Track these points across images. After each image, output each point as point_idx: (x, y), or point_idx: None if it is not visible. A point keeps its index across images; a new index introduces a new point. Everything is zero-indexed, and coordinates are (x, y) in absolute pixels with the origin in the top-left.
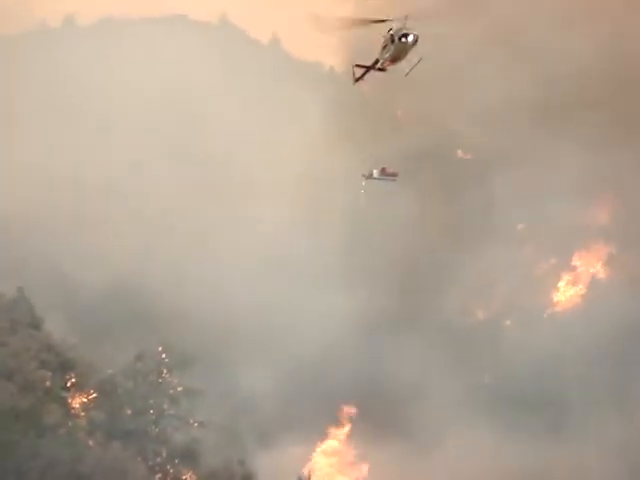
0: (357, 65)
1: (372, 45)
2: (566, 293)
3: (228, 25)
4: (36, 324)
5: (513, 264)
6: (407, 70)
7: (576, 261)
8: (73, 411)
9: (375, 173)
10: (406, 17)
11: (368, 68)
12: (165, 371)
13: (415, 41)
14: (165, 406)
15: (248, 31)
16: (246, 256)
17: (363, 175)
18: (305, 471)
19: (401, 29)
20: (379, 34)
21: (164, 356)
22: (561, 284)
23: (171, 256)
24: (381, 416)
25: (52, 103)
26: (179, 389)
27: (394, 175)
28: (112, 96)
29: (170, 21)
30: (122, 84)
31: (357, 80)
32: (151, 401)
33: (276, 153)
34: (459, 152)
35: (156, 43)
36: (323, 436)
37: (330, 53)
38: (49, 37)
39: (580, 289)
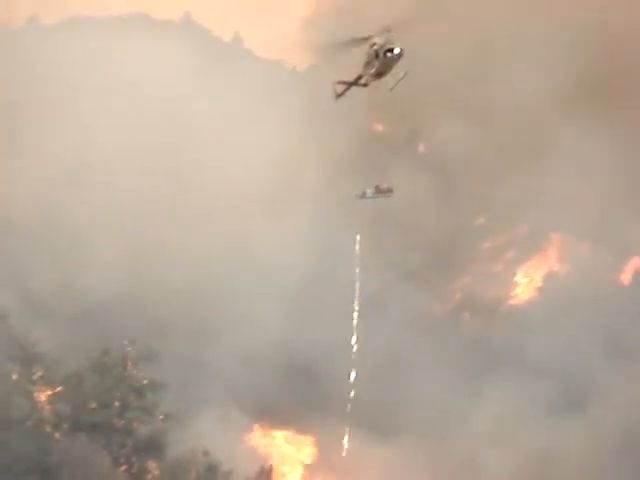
0: (339, 82)
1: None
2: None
3: (191, 24)
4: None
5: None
6: (391, 84)
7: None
8: (39, 404)
9: (369, 192)
10: (389, 30)
11: (350, 84)
12: (130, 364)
13: (400, 55)
14: (131, 399)
15: (211, 30)
16: (218, 257)
17: (356, 195)
18: (268, 460)
19: (385, 44)
20: (345, 33)
21: (129, 349)
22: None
23: (140, 255)
24: (351, 405)
25: (15, 102)
26: (144, 382)
27: (389, 191)
28: (77, 95)
29: (132, 20)
30: (86, 83)
31: (339, 96)
32: (117, 394)
33: (242, 152)
34: (420, 147)
35: (118, 42)
36: (290, 426)
37: (293, 52)
38: (13, 36)
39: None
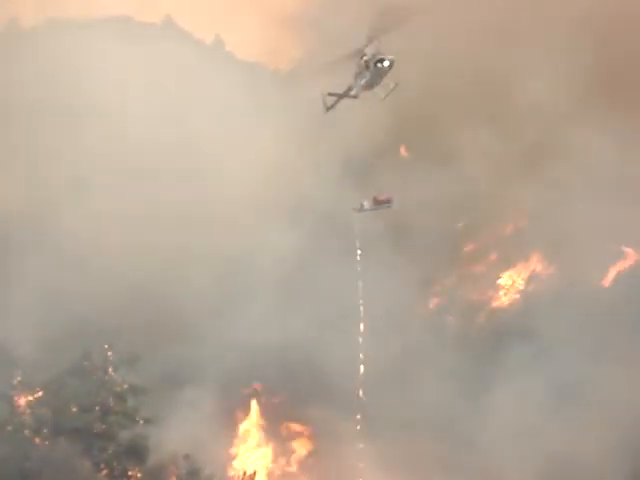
0: (329, 94)
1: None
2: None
3: (172, 26)
4: None
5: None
6: (382, 95)
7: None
8: (20, 409)
9: (366, 204)
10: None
11: (340, 96)
12: (111, 369)
13: (391, 65)
14: (111, 403)
15: (192, 32)
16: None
17: (354, 209)
18: (251, 466)
19: (376, 55)
20: (330, 29)
21: (110, 354)
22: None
23: (135, 257)
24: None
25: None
26: (125, 386)
27: (388, 202)
28: (58, 99)
29: (115, 22)
30: (70, 87)
31: (329, 109)
32: (97, 398)
33: (230, 157)
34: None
35: (101, 45)
36: (277, 429)
37: (275, 54)
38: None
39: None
